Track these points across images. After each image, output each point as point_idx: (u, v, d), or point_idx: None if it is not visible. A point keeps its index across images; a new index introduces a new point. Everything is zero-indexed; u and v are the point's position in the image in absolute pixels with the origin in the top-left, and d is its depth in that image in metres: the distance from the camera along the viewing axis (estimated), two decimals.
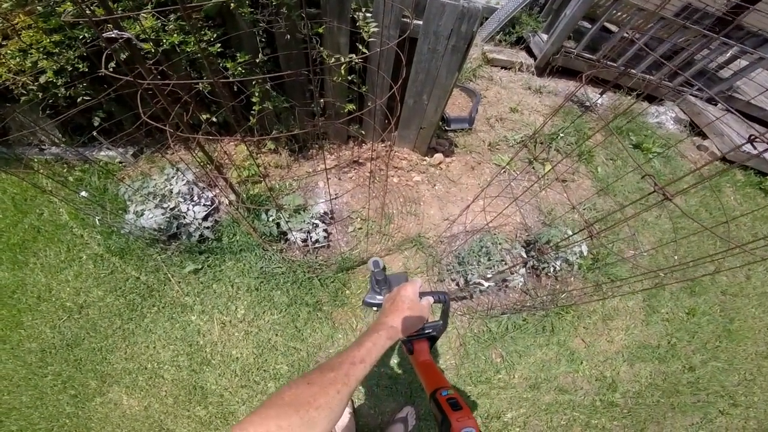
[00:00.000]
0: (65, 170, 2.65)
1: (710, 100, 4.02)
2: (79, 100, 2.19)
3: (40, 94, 2.10)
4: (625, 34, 3.68)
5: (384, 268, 1.29)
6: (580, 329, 2.38)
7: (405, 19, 2.19)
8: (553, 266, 2.34)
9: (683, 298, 2.68)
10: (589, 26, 3.99)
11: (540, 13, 4.42)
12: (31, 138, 2.75)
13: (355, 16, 2.11)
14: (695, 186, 1.67)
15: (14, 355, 2.05)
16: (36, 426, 1.92)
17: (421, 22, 2.14)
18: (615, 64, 3.82)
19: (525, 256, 2.28)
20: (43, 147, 2.73)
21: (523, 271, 2.25)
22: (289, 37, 2.07)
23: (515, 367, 2.19)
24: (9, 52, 1.99)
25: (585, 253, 2.38)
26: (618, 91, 3.92)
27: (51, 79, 2.04)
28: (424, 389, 0.83)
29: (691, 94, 3.98)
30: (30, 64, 2.00)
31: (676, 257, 2.71)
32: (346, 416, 1.88)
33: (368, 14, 2.10)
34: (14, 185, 2.59)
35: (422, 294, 0.92)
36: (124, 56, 2.05)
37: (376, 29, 2.06)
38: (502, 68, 4.09)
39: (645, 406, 2.23)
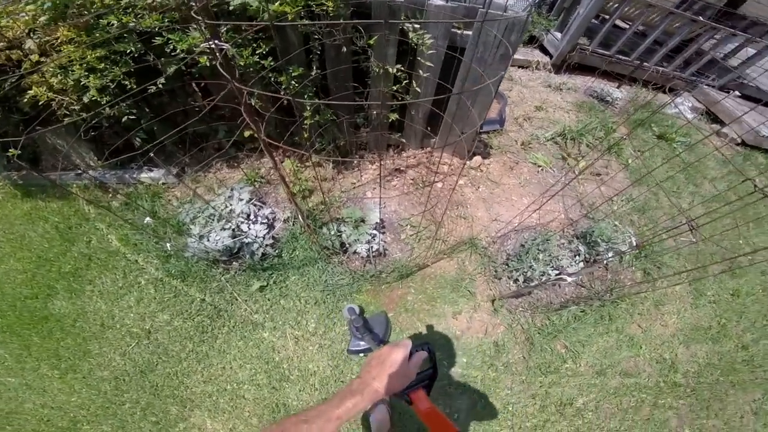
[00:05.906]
0: (110, 195, 2.62)
1: (723, 89, 4.17)
2: (123, 119, 2.11)
3: (83, 114, 1.92)
4: (637, 30, 3.80)
5: (362, 313, 1.30)
6: (635, 316, 2.46)
7: (455, 30, 2.24)
8: (604, 258, 2.42)
9: (725, 280, 2.79)
10: (599, 23, 4.11)
11: (549, 11, 4.53)
12: (65, 162, 2.67)
13: (405, 28, 2.15)
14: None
15: (87, 384, 2.01)
16: None
17: (470, 33, 2.19)
18: (629, 59, 3.94)
19: (582, 249, 2.36)
20: (79, 171, 2.65)
21: (581, 264, 2.32)
22: (345, 49, 2.09)
23: (580, 355, 2.26)
24: (50, 69, 1.83)
25: (634, 244, 2.46)
26: (634, 85, 4.04)
27: (95, 98, 1.89)
28: None
29: (705, 84, 4.12)
30: (72, 82, 1.85)
31: (741, 241, 2.81)
32: (383, 410, 1.88)
33: (417, 25, 2.14)
34: (54, 213, 2.55)
35: (412, 351, 0.96)
36: (172, 70, 2.01)
37: (430, 41, 2.10)
38: (519, 67, 4.18)
39: (707, 384, 2.32)
